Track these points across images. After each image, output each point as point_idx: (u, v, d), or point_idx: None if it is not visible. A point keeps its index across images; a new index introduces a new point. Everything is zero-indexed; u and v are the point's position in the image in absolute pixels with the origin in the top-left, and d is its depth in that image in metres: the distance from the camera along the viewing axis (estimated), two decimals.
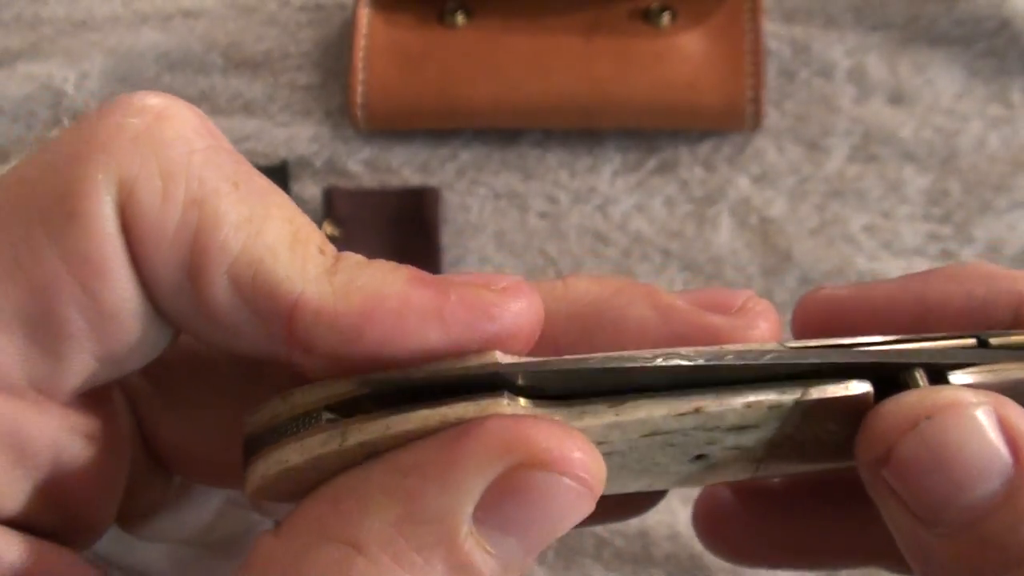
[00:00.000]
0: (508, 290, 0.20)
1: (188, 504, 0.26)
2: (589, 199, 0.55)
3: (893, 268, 0.52)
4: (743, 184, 0.55)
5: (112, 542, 0.24)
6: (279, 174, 0.56)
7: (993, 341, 0.22)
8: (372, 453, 0.19)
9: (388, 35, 0.56)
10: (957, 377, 0.21)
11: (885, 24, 0.56)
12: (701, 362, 0.20)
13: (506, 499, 0.18)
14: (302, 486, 0.19)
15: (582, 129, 0.56)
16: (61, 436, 0.20)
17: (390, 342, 0.19)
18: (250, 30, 0.59)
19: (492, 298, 0.20)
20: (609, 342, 0.22)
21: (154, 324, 0.20)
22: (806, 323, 0.25)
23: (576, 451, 0.19)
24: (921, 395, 0.20)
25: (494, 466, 0.18)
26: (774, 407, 0.20)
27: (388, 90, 0.55)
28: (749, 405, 0.20)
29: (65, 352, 0.19)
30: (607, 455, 0.20)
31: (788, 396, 0.20)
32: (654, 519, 0.49)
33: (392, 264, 0.20)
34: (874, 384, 0.21)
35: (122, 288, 0.19)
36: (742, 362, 0.20)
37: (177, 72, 0.59)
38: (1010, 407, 0.20)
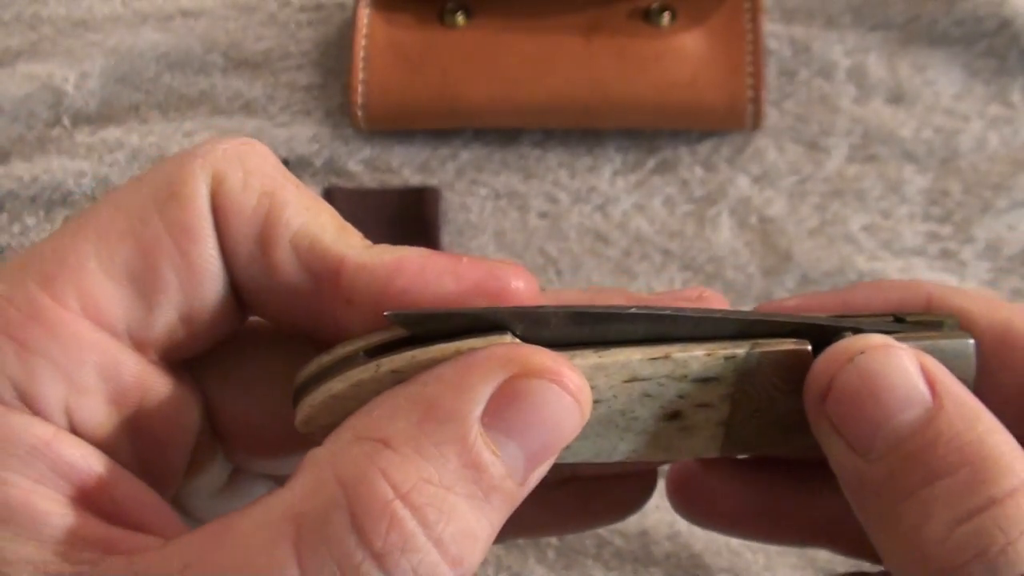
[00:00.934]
0: (512, 266, 0.25)
1: (234, 496, 0.30)
2: (589, 199, 0.55)
3: (893, 268, 0.52)
4: (743, 184, 0.55)
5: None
6: None
7: (908, 319, 0.27)
8: (400, 380, 0.24)
9: (388, 35, 0.56)
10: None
11: (885, 24, 0.56)
12: (668, 312, 0.25)
13: (507, 404, 0.22)
14: (342, 416, 0.23)
15: (582, 129, 0.56)
16: (147, 382, 0.25)
17: (414, 289, 0.25)
18: (250, 30, 0.59)
19: (498, 263, 0.25)
20: None
21: (228, 300, 0.26)
22: None
23: (565, 367, 0.23)
24: (856, 338, 0.25)
25: (497, 375, 0.22)
26: (730, 358, 0.25)
27: (388, 90, 0.55)
28: (709, 353, 0.25)
29: (157, 303, 0.25)
30: (594, 403, 0.24)
31: (741, 349, 0.25)
32: (654, 519, 0.49)
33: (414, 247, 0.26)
34: (812, 348, 0.25)
35: (208, 253, 0.25)
36: (702, 315, 0.25)
37: (177, 72, 0.59)
38: (926, 357, 0.24)
